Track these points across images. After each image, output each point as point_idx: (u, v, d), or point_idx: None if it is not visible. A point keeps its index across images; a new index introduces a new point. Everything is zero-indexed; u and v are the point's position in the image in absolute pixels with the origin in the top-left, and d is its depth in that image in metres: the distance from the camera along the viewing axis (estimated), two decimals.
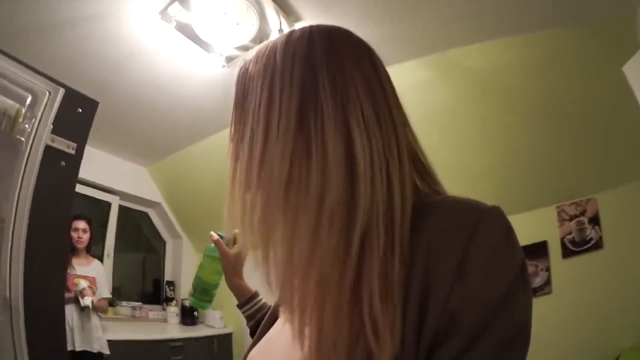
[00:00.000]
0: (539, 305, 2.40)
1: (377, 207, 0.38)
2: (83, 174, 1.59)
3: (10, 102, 1.37)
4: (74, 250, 2.57)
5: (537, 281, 2.55)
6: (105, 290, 2.66)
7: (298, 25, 1.48)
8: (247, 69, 0.49)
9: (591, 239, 2.47)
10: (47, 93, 1.45)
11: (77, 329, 2.33)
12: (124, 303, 3.44)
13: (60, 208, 1.49)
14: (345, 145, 0.40)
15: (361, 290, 0.35)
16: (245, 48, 2.02)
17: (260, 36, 1.93)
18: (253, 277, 0.57)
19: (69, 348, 2.20)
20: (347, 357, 0.34)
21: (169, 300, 3.79)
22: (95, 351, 2.37)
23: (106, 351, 2.45)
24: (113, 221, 3.46)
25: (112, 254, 3.35)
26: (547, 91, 2.20)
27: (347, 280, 0.36)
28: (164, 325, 3.58)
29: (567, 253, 2.54)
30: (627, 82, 1.70)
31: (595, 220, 2.48)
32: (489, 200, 0.39)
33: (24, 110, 1.40)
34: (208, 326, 3.69)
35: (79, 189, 2.81)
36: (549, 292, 2.52)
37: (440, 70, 2.32)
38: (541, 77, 2.17)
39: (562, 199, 2.59)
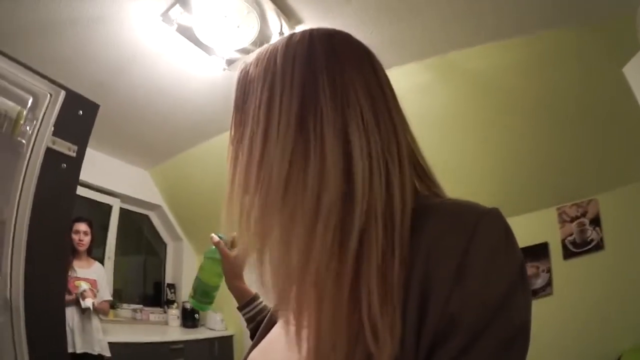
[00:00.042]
0: (540, 306, 2.39)
1: (375, 209, 0.38)
2: (84, 176, 1.60)
3: (11, 104, 1.38)
4: (75, 253, 2.57)
5: (538, 282, 2.55)
6: (106, 293, 2.66)
7: (299, 29, 1.49)
8: (248, 71, 0.49)
9: (592, 240, 2.46)
10: (48, 95, 1.46)
11: (78, 331, 2.33)
12: (124, 305, 3.44)
13: (61, 210, 1.50)
14: (344, 147, 0.40)
15: (360, 291, 0.35)
16: (246, 51, 2.02)
17: (261, 39, 1.93)
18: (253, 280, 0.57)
19: (70, 350, 2.21)
20: (346, 358, 0.34)
21: (169, 302, 3.79)
22: (96, 353, 2.37)
23: (107, 353, 2.45)
24: (114, 224, 3.46)
25: (113, 257, 3.35)
26: (548, 92, 2.20)
27: (345, 281, 0.36)
28: (164, 328, 3.58)
29: (568, 254, 2.53)
30: (627, 83, 1.70)
31: (596, 222, 2.47)
32: (490, 202, 0.39)
33: (25, 113, 1.41)
34: (209, 328, 3.68)
35: (80, 191, 2.83)
36: (550, 294, 2.52)
37: (441, 73, 2.33)
38: (541, 78, 2.17)
39: (563, 200, 2.59)
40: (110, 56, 2.15)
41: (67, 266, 2.22)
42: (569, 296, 2.46)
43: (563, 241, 2.55)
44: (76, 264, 2.54)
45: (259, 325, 0.61)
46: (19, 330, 1.25)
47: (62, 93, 1.48)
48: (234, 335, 3.69)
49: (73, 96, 1.53)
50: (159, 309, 3.73)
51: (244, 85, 0.49)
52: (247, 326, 0.82)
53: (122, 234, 3.51)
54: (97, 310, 2.48)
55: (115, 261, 3.35)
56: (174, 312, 3.68)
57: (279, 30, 1.93)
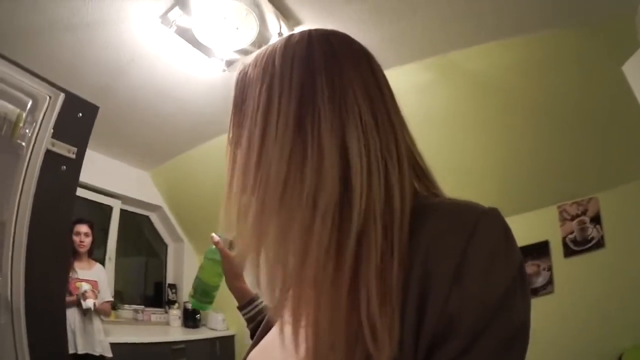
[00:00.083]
0: (541, 304, 2.39)
1: (374, 209, 0.38)
2: (85, 177, 1.60)
3: (10, 106, 1.38)
4: (76, 254, 2.58)
5: (539, 281, 2.55)
6: (107, 294, 2.67)
7: (297, 29, 1.48)
8: (246, 72, 0.49)
9: (593, 238, 2.46)
10: (48, 98, 1.46)
11: (79, 332, 2.34)
12: (126, 306, 3.44)
13: (61, 212, 1.50)
14: (342, 148, 0.40)
15: (359, 291, 0.35)
16: (245, 52, 2.03)
17: (260, 40, 1.93)
18: None
19: (72, 351, 2.21)
20: (345, 358, 0.34)
21: (171, 303, 3.79)
22: (97, 354, 2.37)
23: (108, 354, 2.45)
24: (115, 225, 3.46)
25: (114, 258, 3.35)
26: (548, 92, 2.20)
27: (343, 281, 0.36)
28: (166, 328, 3.58)
29: (568, 252, 2.53)
30: (627, 82, 1.70)
31: (596, 220, 2.47)
32: (490, 201, 0.39)
33: (24, 115, 1.41)
34: (210, 328, 3.69)
35: (81, 192, 2.83)
36: (551, 292, 2.52)
37: (441, 73, 2.33)
38: (541, 78, 2.17)
39: (564, 198, 2.59)
40: (109, 58, 2.15)
41: (68, 267, 2.22)
42: (570, 294, 2.46)
43: (564, 239, 2.55)
44: (77, 265, 2.54)
45: (258, 325, 0.61)
46: (20, 331, 1.25)
47: (62, 95, 1.48)
48: (235, 335, 3.70)
49: (72, 98, 1.53)
50: (160, 310, 3.73)
51: (243, 86, 0.49)
52: (247, 326, 0.82)
53: (123, 235, 3.51)
54: (98, 311, 2.48)
55: (116, 262, 3.35)
56: (175, 313, 3.69)
57: (277, 31, 1.93)
